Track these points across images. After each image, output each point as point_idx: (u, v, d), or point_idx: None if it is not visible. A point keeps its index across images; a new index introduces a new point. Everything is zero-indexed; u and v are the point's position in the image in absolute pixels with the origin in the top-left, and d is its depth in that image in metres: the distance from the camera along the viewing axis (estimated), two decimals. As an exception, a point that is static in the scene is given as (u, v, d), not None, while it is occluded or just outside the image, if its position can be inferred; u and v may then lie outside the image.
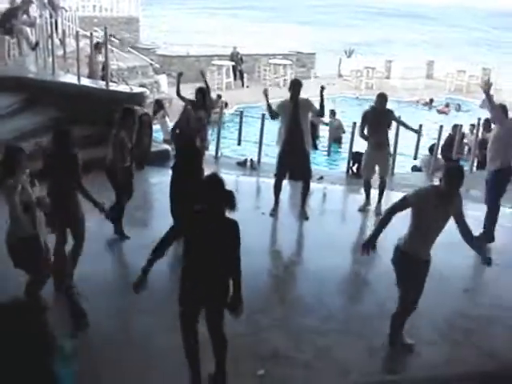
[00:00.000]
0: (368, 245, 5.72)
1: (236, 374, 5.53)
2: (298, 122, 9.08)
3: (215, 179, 5.03)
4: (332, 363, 5.85)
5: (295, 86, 9.24)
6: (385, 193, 9.95)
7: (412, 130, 10.97)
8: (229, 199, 4.92)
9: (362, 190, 10.47)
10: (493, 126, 9.80)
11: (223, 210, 4.91)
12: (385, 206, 9.74)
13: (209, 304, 5.01)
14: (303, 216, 9.39)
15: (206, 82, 11.16)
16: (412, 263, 5.66)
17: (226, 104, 18.43)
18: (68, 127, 6.85)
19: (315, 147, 14.48)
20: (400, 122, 10.68)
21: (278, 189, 9.55)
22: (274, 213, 9.52)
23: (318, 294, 7.18)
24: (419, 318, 6.30)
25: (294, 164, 9.30)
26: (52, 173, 6.70)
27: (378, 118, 9.64)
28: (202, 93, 10.51)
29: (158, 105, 13.00)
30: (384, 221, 5.78)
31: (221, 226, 4.91)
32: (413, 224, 5.68)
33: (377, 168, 10.00)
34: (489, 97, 8.51)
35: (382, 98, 9.78)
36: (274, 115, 9.42)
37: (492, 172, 8.63)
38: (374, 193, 10.02)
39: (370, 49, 34.19)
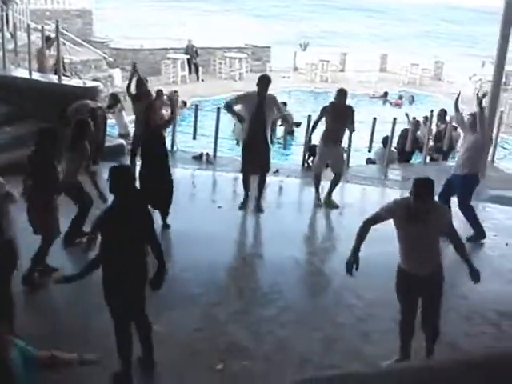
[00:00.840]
0: (350, 265, 5.50)
1: (194, 369, 5.53)
2: (262, 118, 8.92)
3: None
4: (291, 355, 5.87)
5: (264, 81, 8.95)
6: (338, 186, 10.02)
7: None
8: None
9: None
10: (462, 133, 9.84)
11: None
12: (336, 198, 9.90)
13: (127, 293, 5.07)
14: (259, 209, 9.39)
15: (138, 74, 11.03)
16: (403, 278, 5.46)
17: (185, 103, 18.29)
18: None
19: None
20: (351, 126, 10.06)
21: (246, 183, 9.47)
22: (244, 206, 9.48)
23: (275, 285, 7.21)
24: (376, 306, 6.40)
25: (255, 158, 9.19)
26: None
27: (337, 114, 9.56)
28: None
29: (114, 98, 12.83)
30: (359, 236, 5.55)
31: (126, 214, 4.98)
32: (398, 239, 5.47)
33: (329, 163, 10.04)
34: (481, 109, 8.52)
35: (342, 94, 9.68)
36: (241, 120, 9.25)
37: (460, 176, 8.71)
38: (324, 184, 10.09)
39: (323, 42, 34.37)
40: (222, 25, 36.03)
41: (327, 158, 9.97)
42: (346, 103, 9.77)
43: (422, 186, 5.16)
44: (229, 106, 9.20)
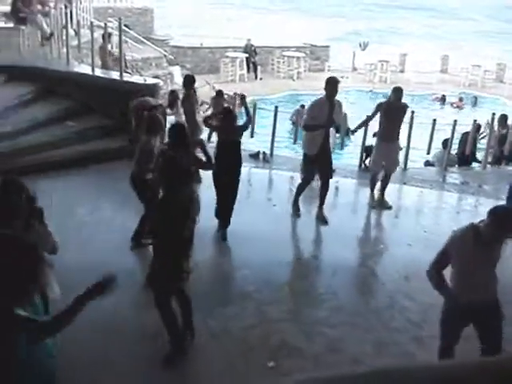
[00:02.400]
0: (451, 301, 5.06)
1: (246, 365, 5.57)
2: (332, 123, 8.74)
3: None
4: (342, 356, 5.86)
5: (332, 83, 8.61)
6: (395, 188, 9.95)
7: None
8: None
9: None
10: None
11: None
12: (392, 199, 9.82)
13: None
14: (321, 219, 9.05)
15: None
16: (454, 305, 5.04)
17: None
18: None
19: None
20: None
21: (302, 190, 9.22)
22: (298, 213, 9.19)
23: (328, 286, 7.21)
24: (430, 311, 6.31)
25: (320, 164, 8.94)
26: None
27: (393, 112, 9.53)
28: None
29: (174, 96, 13.03)
30: (437, 282, 5.08)
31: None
32: (455, 265, 5.04)
33: (384, 162, 9.94)
34: None
35: (398, 92, 9.60)
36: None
37: None
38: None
39: (381, 40, 33.97)
40: (279, 24, 36.00)
41: (384, 157, 9.88)
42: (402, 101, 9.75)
43: (507, 218, 4.76)
44: (307, 126, 8.93)
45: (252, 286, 6.98)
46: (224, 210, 8.28)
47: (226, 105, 15.50)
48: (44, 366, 3.47)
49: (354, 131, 10.90)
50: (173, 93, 11.51)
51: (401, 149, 10.25)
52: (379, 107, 9.72)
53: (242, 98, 9.63)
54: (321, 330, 6.30)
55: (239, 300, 6.71)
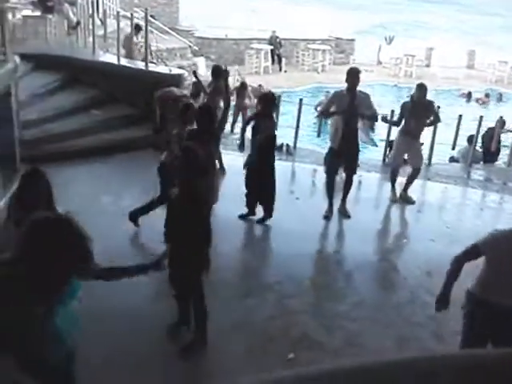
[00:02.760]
0: (440, 304, 5.04)
1: (266, 356, 5.59)
2: (355, 117, 8.56)
3: None
4: (362, 351, 5.84)
5: (352, 74, 8.49)
6: (418, 184, 9.89)
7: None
8: None
9: (397, 179, 10.44)
10: None
11: None
12: (416, 195, 9.76)
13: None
14: (345, 213, 8.99)
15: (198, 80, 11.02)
16: (480, 308, 4.84)
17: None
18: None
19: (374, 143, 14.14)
20: (436, 118, 10.21)
21: (331, 187, 8.98)
22: (329, 215, 8.94)
23: (349, 279, 7.21)
24: (451, 307, 6.28)
25: (345, 158, 8.83)
26: None
27: (417, 109, 9.44)
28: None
29: (198, 87, 13.04)
30: (452, 272, 4.95)
31: None
32: (486, 270, 4.83)
33: (408, 158, 9.90)
34: None
35: (422, 89, 9.48)
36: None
37: None
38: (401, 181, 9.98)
39: (407, 34, 33.66)
40: (304, 15, 35.79)
41: (404, 153, 9.85)
42: (427, 98, 9.65)
43: None
44: (321, 112, 9.03)
45: (273, 278, 6.99)
46: (263, 199, 8.38)
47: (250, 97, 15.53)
48: (67, 339, 3.52)
49: (384, 120, 10.68)
50: (196, 84, 11.50)
51: (422, 144, 10.15)
52: (404, 108, 9.66)
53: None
54: (341, 324, 6.30)
55: (260, 292, 6.73)
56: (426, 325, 6.37)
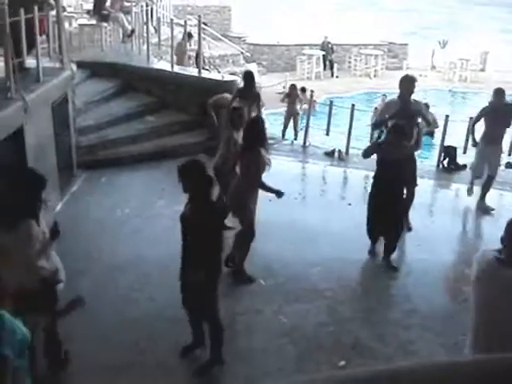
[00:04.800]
0: None
1: (317, 363, 5.57)
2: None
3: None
4: (414, 358, 5.76)
5: (404, 82, 8.29)
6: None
7: None
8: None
9: (452, 186, 10.31)
10: None
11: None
12: (471, 202, 9.57)
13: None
14: (407, 225, 8.52)
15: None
16: None
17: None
18: None
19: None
20: None
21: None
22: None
23: (402, 286, 7.12)
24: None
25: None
26: None
27: (497, 114, 9.28)
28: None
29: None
30: None
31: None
32: None
33: (486, 166, 9.60)
34: None
35: (500, 93, 9.39)
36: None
37: None
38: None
39: (458, 35, 33.03)
40: (353, 19, 35.58)
41: (487, 159, 9.60)
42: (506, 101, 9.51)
43: None
44: (376, 125, 8.89)
45: (324, 284, 6.96)
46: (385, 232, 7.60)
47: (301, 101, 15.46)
48: None
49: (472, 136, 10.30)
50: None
51: (503, 152, 9.90)
52: (483, 111, 9.54)
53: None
54: (394, 331, 6.23)
55: (311, 297, 6.71)
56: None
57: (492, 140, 9.42)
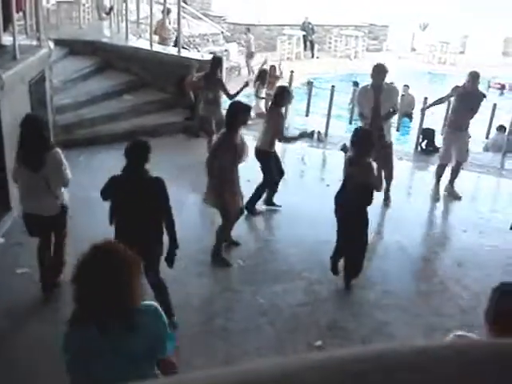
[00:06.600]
0: None
1: (293, 343, 5.61)
2: (378, 112, 8.26)
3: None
4: (389, 339, 5.82)
5: (377, 71, 8.32)
6: (447, 171, 9.67)
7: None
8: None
9: (430, 168, 10.32)
10: None
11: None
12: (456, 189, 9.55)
13: None
14: (387, 201, 8.86)
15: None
16: None
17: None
18: None
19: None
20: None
21: None
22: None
23: (379, 268, 7.17)
24: (482, 299, 6.22)
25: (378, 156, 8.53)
26: None
27: (467, 99, 8.93)
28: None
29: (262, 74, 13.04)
30: None
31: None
32: None
33: (454, 153, 9.36)
34: None
35: (475, 78, 8.99)
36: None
37: None
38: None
39: (441, 19, 33.00)
40: (337, 1, 35.38)
41: (453, 146, 9.31)
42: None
43: None
44: (361, 114, 8.71)
45: (302, 265, 7.00)
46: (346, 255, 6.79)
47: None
48: None
49: (425, 109, 10.32)
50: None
51: (470, 137, 9.71)
52: (454, 91, 9.20)
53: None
54: (370, 312, 6.29)
55: (289, 278, 6.74)
56: (455, 315, 6.32)
57: (459, 127, 9.11)
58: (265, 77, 14.34)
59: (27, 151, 5.67)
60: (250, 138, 7.95)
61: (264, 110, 13.14)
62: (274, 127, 7.97)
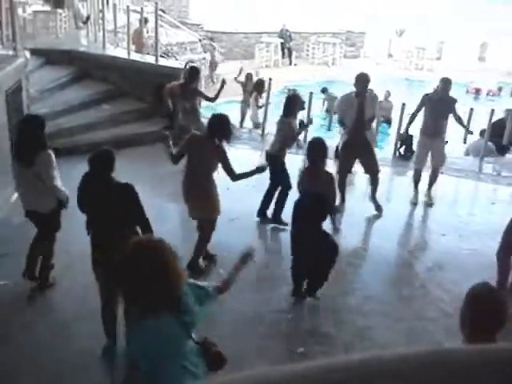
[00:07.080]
0: None
1: (276, 350, 5.59)
2: (363, 120, 8.39)
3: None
4: (371, 345, 5.83)
5: (361, 80, 8.44)
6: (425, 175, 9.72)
7: (467, 130, 10.65)
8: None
9: (408, 173, 10.35)
10: None
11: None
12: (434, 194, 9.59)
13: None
14: (378, 209, 8.88)
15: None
16: None
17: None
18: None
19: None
20: (457, 118, 9.58)
21: (343, 189, 8.73)
22: (340, 209, 8.53)
23: (360, 274, 7.21)
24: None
25: (363, 159, 8.76)
26: None
27: (439, 105, 8.94)
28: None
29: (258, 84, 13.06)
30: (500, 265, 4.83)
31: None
32: None
33: (429, 157, 9.36)
34: None
35: (446, 84, 9.03)
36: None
37: None
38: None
39: (417, 26, 33.30)
40: (314, 8, 35.55)
41: (427, 152, 9.31)
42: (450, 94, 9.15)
43: None
44: (341, 123, 8.81)
45: (285, 272, 6.98)
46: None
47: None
48: None
49: (406, 131, 10.26)
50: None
51: (446, 142, 9.70)
52: (423, 100, 9.20)
53: None
54: (351, 318, 6.30)
55: (271, 284, 6.73)
56: (437, 319, 6.35)
57: (432, 133, 9.04)
58: (262, 86, 14.44)
59: (20, 147, 5.97)
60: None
61: (261, 119, 13.28)
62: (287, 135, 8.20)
